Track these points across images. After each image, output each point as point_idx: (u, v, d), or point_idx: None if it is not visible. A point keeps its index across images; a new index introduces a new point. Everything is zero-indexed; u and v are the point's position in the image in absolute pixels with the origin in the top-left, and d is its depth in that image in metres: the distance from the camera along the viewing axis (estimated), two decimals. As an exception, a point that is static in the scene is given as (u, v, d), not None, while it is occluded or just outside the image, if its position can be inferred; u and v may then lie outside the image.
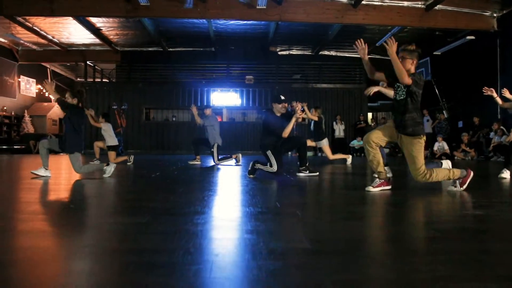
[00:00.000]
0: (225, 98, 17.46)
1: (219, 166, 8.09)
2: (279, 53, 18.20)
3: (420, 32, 14.15)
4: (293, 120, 5.67)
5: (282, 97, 5.78)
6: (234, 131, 16.53)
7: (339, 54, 18.26)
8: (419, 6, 12.37)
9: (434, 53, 15.40)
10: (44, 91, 18.40)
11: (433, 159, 12.39)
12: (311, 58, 18.19)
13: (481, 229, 2.45)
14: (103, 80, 19.34)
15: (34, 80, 19.63)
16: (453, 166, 4.58)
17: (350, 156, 9.41)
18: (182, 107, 17.58)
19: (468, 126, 13.88)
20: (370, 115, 17.77)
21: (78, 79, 21.28)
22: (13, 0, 12.08)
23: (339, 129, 16.27)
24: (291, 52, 18.36)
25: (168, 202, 3.38)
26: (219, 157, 8.70)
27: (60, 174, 6.24)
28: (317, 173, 6.08)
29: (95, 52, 18.00)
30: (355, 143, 15.59)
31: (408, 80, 3.66)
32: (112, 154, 8.48)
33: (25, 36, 15.94)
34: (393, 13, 12.48)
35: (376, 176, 4.06)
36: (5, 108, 17.41)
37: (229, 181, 5.30)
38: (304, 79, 18.21)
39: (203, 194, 3.81)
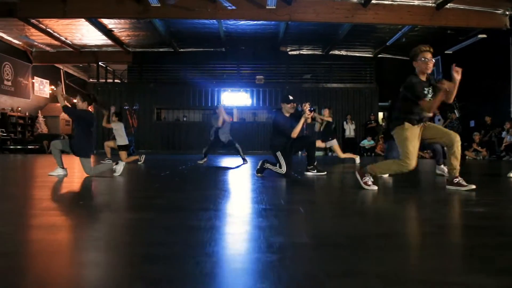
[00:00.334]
0: (235, 98, 17.55)
1: (231, 166, 8.18)
2: (289, 53, 18.22)
3: (431, 31, 14.03)
4: (302, 120, 5.65)
5: (291, 97, 5.80)
6: (245, 131, 16.57)
7: (349, 53, 18.21)
8: (430, 4, 12.28)
9: (446, 52, 15.25)
10: (57, 92, 18.67)
11: (444, 158, 12.27)
12: (321, 57, 18.17)
13: (482, 225, 2.47)
14: (115, 80, 19.59)
15: (48, 81, 19.99)
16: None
17: (359, 157, 9.41)
18: (193, 107, 17.73)
19: (480, 125, 13.75)
20: (381, 114, 17.64)
21: (91, 80, 21.58)
22: (27, 2, 12.35)
23: (350, 129, 16.18)
24: (301, 52, 18.36)
25: (175, 199, 3.45)
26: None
27: (72, 172, 6.37)
28: (325, 173, 6.11)
29: (107, 53, 18.27)
30: (366, 142, 15.54)
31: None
32: (123, 154, 8.58)
33: (38, 38, 16.25)
34: (403, 12, 12.41)
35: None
36: (19, 108, 17.76)
37: (237, 180, 5.37)
38: (315, 79, 18.20)
39: (210, 192, 3.88)
